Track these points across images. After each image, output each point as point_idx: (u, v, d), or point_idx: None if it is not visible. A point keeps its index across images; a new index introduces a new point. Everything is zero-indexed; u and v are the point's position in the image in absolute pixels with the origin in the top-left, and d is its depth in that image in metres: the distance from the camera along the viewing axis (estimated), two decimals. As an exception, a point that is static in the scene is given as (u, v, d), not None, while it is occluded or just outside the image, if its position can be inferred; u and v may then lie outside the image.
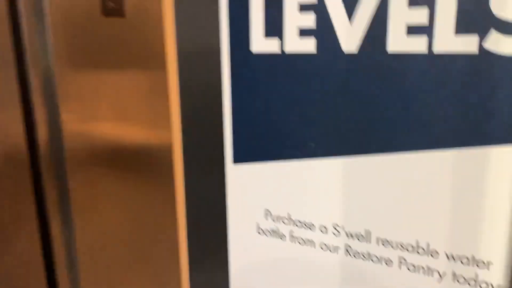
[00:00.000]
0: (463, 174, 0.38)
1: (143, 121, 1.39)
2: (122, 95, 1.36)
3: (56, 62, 1.18)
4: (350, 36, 0.41)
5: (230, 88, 0.47)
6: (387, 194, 0.42)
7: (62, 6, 1.20)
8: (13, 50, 1.15)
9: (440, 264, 0.40)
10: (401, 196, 0.41)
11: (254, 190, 0.49)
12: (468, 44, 0.36)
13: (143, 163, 1.45)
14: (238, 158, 0.49)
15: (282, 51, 0.44)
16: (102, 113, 1.32)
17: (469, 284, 0.39)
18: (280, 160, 0.47)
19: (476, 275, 0.39)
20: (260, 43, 0.45)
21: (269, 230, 0.49)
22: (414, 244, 0.41)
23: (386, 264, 0.43)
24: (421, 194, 0.40)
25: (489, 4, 0.35)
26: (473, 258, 0.38)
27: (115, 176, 1.40)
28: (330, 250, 0.46)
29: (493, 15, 0.35)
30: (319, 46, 0.42)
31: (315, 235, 0.47)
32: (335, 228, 0.46)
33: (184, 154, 0.52)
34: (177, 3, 0.48)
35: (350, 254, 0.45)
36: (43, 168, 1.25)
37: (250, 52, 0.45)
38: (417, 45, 0.38)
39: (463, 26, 0.36)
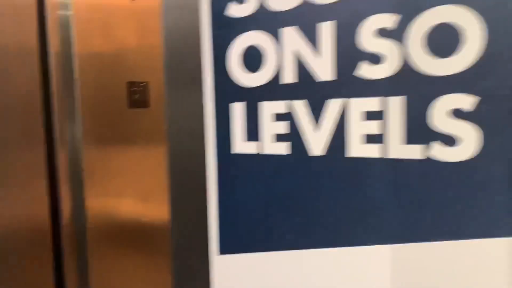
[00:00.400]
0: (404, 267, 0.41)
1: (162, 200, 1.44)
2: (143, 175, 1.42)
3: (83, 143, 1.27)
4: (316, 142, 0.46)
5: (216, 183, 0.53)
6: (358, 281, 0.45)
7: (92, 95, 1.30)
8: (43, 130, 1.23)
9: None
10: (372, 284, 0.44)
11: (239, 278, 0.53)
12: (414, 152, 0.41)
13: (159, 242, 1.49)
14: (224, 249, 0.53)
15: (260, 153, 0.50)
16: (124, 191, 1.38)
17: None
18: (262, 252, 0.51)
19: None
20: (241, 146, 0.51)
21: (252, 317, 0.52)
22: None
23: None
24: (381, 282, 0.43)
25: (429, 120, 0.40)
26: None
27: (134, 255, 1.43)
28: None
29: (432, 129, 0.40)
30: (290, 149, 0.48)
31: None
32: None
33: (173, 244, 0.56)
34: (170, 108, 0.55)
35: None
36: (65, 244, 1.29)
37: (232, 153, 0.51)
38: (372, 151, 0.43)
39: (410, 137, 0.41)
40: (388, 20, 0.42)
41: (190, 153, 0.54)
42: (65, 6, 1.28)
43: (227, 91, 0.51)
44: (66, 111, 1.31)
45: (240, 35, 0.50)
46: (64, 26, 1.29)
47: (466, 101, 0.39)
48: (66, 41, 1.27)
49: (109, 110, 1.34)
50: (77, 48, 1.27)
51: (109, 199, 1.41)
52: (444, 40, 0.39)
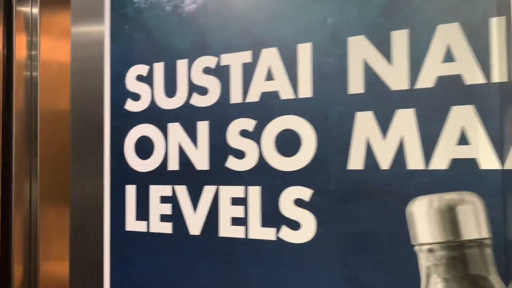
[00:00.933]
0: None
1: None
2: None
3: (40, 204, 1.27)
4: (194, 222, 0.54)
5: (109, 257, 0.59)
6: None
7: (54, 156, 1.31)
8: (0, 189, 1.22)
9: None
10: None
11: None
12: (268, 234, 0.49)
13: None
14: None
15: (148, 231, 0.56)
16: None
17: None
18: (149, 320, 0.56)
19: None
20: (132, 224, 0.57)
21: None
22: None
23: None
24: None
25: (279, 205, 0.48)
26: None
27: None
28: None
29: (282, 215, 0.48)
30: (174, 228, 0.55)
31: None
32: None
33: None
34: (73, 179, 0.62)
35: None
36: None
37: (125, 230, 0.58)
38: (238, 232, 0.51)
39: (265, 221, 0.49)
40: (248, 124, 0.51)
41: (89, 224, 0.60)
42: (32, 67, 1.30)
43: (123, 173, 0.58)
44: (26, 171, 1.30)
45: (134, 126, 0.58)
46: (32, 85, 1.30)
47: (305, 193, 0.47)
48: (31, 101, 1.29)
49: (69, 172, 1.35)
50: (41, 108, 1.29)
51: (64, 263, 1.39)
52: (287, 143, 0.48)
